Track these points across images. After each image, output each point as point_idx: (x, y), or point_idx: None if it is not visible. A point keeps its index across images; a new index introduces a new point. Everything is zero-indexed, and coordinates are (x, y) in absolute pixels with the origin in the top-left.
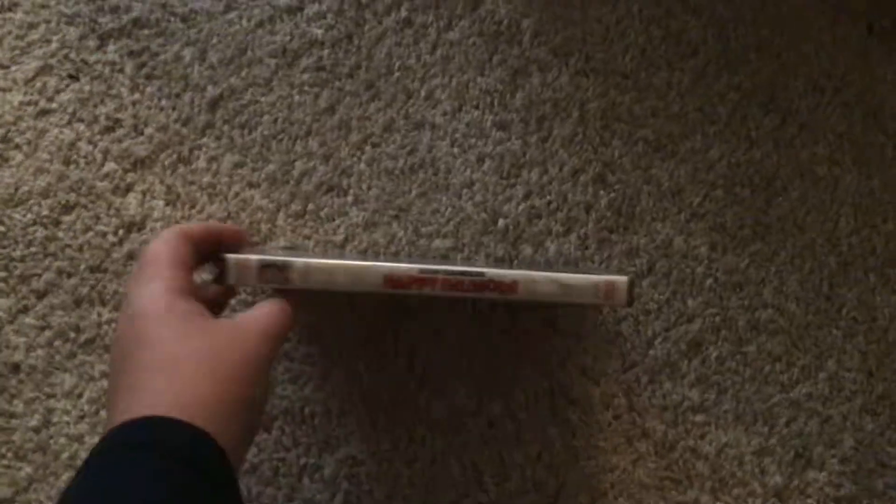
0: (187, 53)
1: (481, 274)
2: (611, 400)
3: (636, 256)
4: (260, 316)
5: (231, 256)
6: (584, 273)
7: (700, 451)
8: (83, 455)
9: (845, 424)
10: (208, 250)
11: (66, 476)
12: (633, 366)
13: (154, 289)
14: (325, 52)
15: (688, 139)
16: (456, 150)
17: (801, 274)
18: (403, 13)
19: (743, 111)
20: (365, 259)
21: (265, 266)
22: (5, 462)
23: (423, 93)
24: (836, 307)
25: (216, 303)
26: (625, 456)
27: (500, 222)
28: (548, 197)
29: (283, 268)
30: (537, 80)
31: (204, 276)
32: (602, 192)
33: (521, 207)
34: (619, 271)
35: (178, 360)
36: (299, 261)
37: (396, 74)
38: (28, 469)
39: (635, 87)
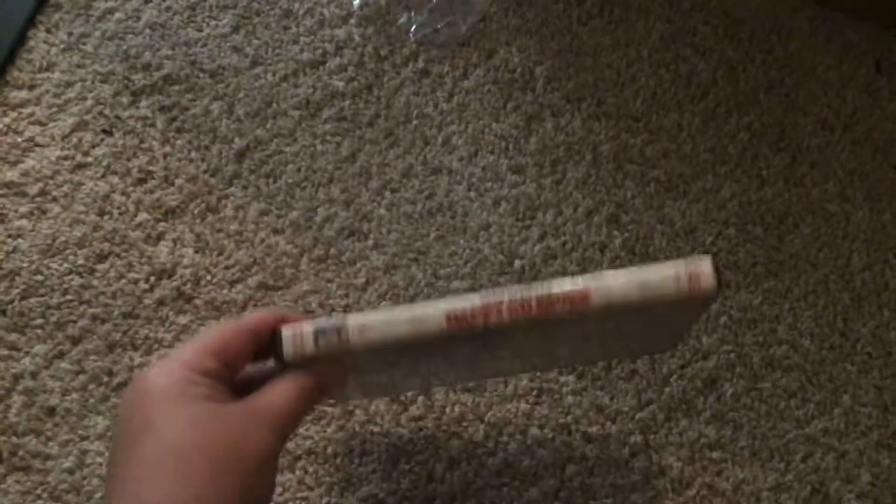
0: (215, 107)
1: (548, 288)
2: (627, 438)
3: None
4: (275, 400)
5: (285, 328)
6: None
7: (717, 488)
8: None
9: (862, 460)
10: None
11: None
12: (650, 403)
13: (168, 364)
14: (346, 102)
15: (699, 179)
16: (473, 193)
17: (815, 310)
18: (421, 64)
19: (753, 150)
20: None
21: (320, 332)
22: (41, 502)
23: (440, 139)
24: (851, 342)
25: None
26: (643, 493)
27: (517, 263)
28: (563, 238)
29: (339, 329)
30: (551, 124)
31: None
32: (616, 233)
33: (536, 248)
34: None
35: (188, 453)
36: (354, 318)
37: (414, 122)
38: None
39: (647, 129)
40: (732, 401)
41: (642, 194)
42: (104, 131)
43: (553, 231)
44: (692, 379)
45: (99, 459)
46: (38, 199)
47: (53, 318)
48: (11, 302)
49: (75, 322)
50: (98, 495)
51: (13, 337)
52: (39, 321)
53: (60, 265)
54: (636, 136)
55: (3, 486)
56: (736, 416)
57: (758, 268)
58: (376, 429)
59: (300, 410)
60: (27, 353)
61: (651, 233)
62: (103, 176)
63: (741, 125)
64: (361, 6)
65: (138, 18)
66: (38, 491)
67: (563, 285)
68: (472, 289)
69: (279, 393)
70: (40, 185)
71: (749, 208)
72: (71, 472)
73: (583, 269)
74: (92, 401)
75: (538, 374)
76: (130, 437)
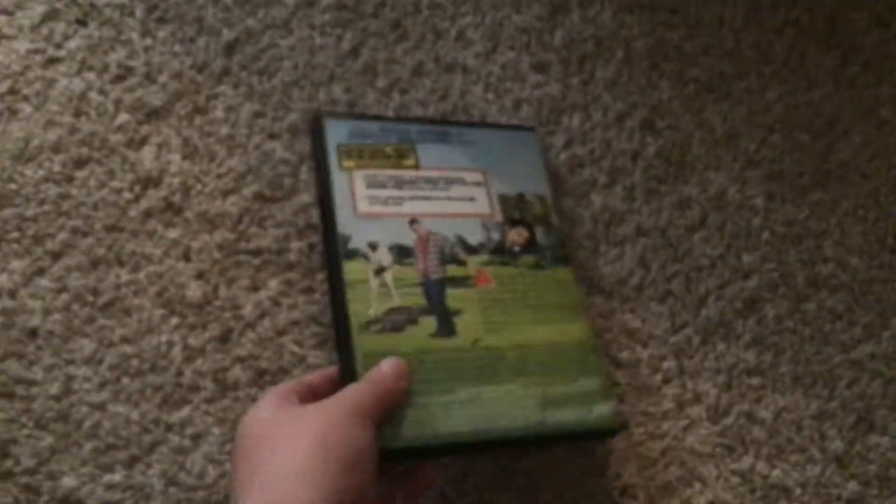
0: None
1: None
2: (660, 363)
3: (687, 208)
4: (354, 394)
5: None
6: None
7: (756, 416)
8: (106, 424)
9: None
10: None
11: (90, 445)
12: (684, 326)
13: (263, 400)
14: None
15: (742, 79)
16: (490, 95)
17: (865, 225)
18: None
19: (801, 48)
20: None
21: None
22: (26, 431)
23: (453, 32)
24: None
25: None
26: (676, 422)
27: None
28: (591, 145)
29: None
30: (578, 16)
31: None
32: (650, 139)
33: (561, 156)
34: (669, 221)
35: (311, 457)
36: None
37: (425, 13)
38: (50, 439)
39: (684, 23)
40: (774, 323)
41: (679, 96)
42: (78, 21)
43: (580, 137)
44: (731, 300)
45: (87, 385)
46: (7, 98)
47: (30, 232)
48: None
49: (54, 235)
50: (88, 424)
51: None
52: (15, 234)
53: (35, 172)
54: (673, 31)
55: None
56: (777, 340)
57: (804, 178)
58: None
59: (381, 401)
60: (3, 269)
61: (688, 139)
62: (78, 72)
63: (788, 20)
64: None
65: None
66: (23, 419)
67: None
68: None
69: (359, 388)
70: (9, 82)
71: (796, 112)
72: (57, 398)
73: (613, 180)
74: (77, 322)
75: None
76: (251, 449)
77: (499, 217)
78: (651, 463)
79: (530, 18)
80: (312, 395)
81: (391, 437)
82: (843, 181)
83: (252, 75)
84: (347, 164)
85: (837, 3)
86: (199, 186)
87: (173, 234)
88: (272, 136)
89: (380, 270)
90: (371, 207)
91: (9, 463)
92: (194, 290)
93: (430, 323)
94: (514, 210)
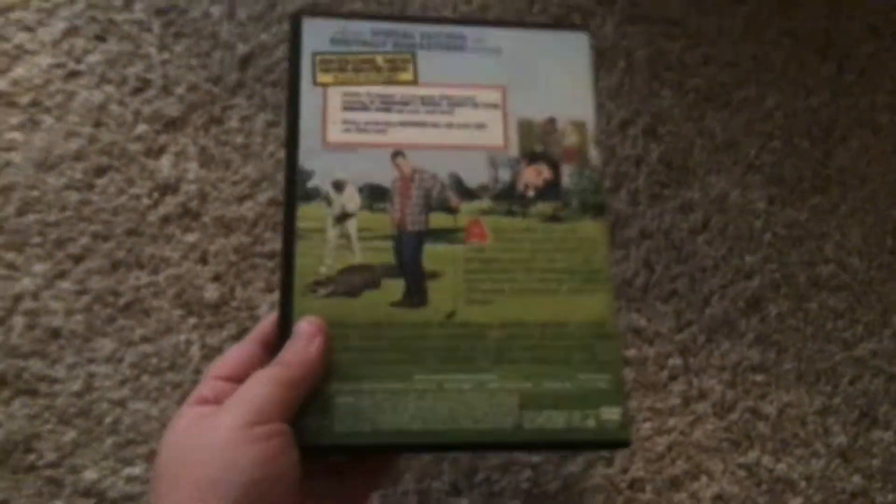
0: (216, 10)
1: None
2: (666, 360)
3: (690, 211)
4: (244, 393)
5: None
6: None
7: (761, 412)
8: (126, 420)
9: None
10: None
11: (111, 440)
12: (689, 325)
13: (184, 408)
14: (357, 5)
15: (741, 88)
16: None
17: (864, 227)
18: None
19: (798, 58)
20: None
21: None
22: (49, 426)
23: None
24: None
25: None
26: (682, 417)
27: None
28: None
29: None
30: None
31: None
32: (653, 145)
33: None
34: (671, 224)
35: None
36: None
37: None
38: (72, 433)
39: (684, 34)
40: (777, 322)
41: (680, 104)
42: (97, 37)
43: None
44: (735, 299)
45: (107, 383)
46: (30, 109)
47: (52, 236)
48: (7, 219)
49: (76, 240)
50: (109, 419)
51: (11, 255)
52: (37, 239)
53: (57, 180)
54: (673, 42)
55: (9, 409)
56: (781, 338)
57: (804, 183)
58: None
59: (295, 389)
60: (26, 272)
61: (690, 145)
62: (98, 85)
63: (785, 30)
64: None
65: None
66: (46, 415)
67: None
68: None
69: (264, 380)
70: (31, 94)
71: (794, 119)
72: (79, 395)
73: (618, 185)
74: (98, 322)
75: None
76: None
77: (514, 150)
78: (658, 457)
79: None
80: (235, 381)
81: (317, 432)
82: (842, 185)
83: (266, 87)
84: (323, 78)
85: (833, 14)
86: (215, 193)
87: (191, 238)
88: None
89: (342, 217)
90: (345, 136)
91: (32, 457)
92: (211, 292)
93: (395, 287)
94: (537, 141)
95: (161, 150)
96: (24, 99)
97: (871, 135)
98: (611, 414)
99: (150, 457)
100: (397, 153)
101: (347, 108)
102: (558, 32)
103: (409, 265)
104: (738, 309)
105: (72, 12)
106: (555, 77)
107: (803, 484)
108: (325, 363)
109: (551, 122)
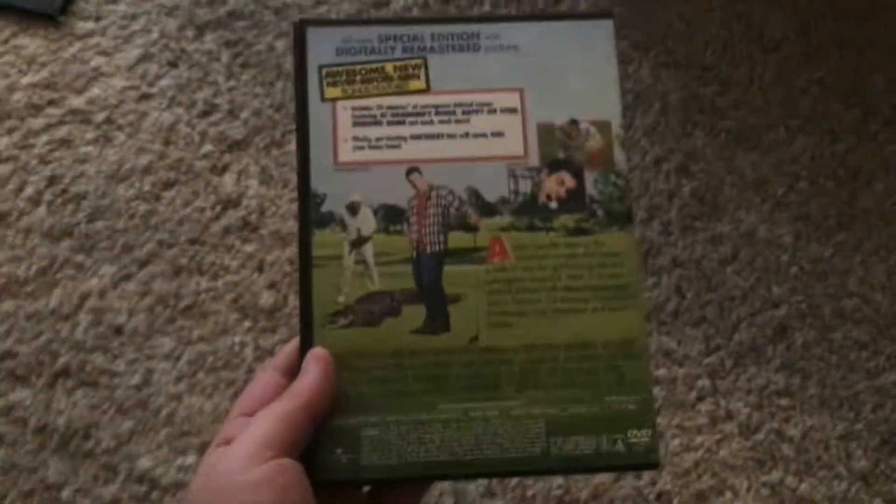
0: (280, 45)
1: None
2: (695, 381)
3: (720, 244)
4: (250, 432)
5: None
6: None
7: (785, 434)
8: (181, 413)
9: None
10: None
11: (166, 431)
12: (718, 349)
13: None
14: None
15: (771, 131)
16: None
17: (887, 264)
18: (486, 7)
19: (825, 105)
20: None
21: None
22: (108, 416)
23: None
24: None
25: None
26: (709, 436)
27: None
28: (631, 184)
29: None
30: (619, 72)
31: None
32: (685, 181)
33: None
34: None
35: None
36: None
37: None
38: (129, 423)
39: (717, 79)
40: (802, 350)
41: (712, 144)
42: (169, 63)
43: None
44: (762, 327)
45: (165, 378)
46: (103, 126)
47: (120, 242)
48: (78, 224)
49: (142, 246)
50: (164, 412)
51: (80, 258)
52: (106, 244)
53: (126, 191)
54: (706, 87)
55: (71, 398)
56: (805, 366)
57: (829, 221)
58: None
59: (268, 438)
60: (94, 273)
61: (721, 183)
62: (168, 107)
63: (813, 79)
64: None
65: None
66: (106, 406)
67: None
68: None
69: (255, 424)
70: (106, 113)
71: (821, 162)
72: (138, 388)
73: (651, 216)
74: (159, 322)
75: None
76: None
77: (534, 158)
78: (685, 472)
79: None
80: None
81: (345, 466)
82: (866, 224)
83: None
84: (331, 93)
85: (859, 66)
86: (273, 208)
87: (249, 248)
88: None
89: (358, 242)
90: (356, 154)
91: (90, 443)
92: (266, 298)
93: (416, 313)
94: (559, 146)
95: (225, 168)
96: (99, 117)
97: (894, 179)
98: (640, 437)
99: (203, 448)
100: (412, 169)
101: (358, 123)
102: (579, 22)
103: (429, 289)
104: (765, 336)
105: (147, 40)
106: (576, 73)
107: None
108: (330, 395)
109: (573, 124)
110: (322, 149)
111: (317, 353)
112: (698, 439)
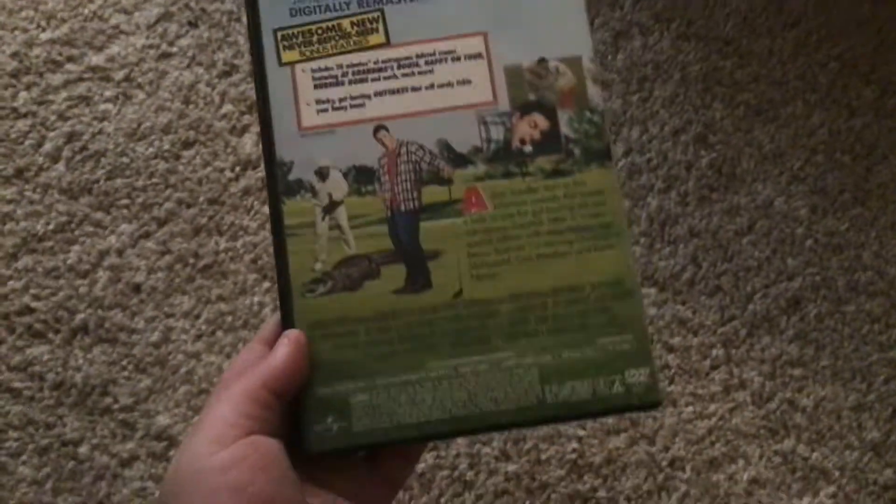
0: None
1: None
2: (709, 350)
3: (736, 215)
4: (208, 415)
5: None
6: None
7: (797, 404)
8: (200, 371)
9: None
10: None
11: (184, 389)
12: (732, 319)
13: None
14: None
15: (789, 105)
16: None
17: None
18: None
19: (843, 81)
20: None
21: None
22: (126, 373)
23: None
24: None
25: None
26: (722, 404)
27: None
28: (648, 154)
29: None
30: (639, 42)
31: None
32: (703, 152)
33: (621, 163)
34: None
35: None
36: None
37: None
38: (147, 381)
39: (736, 52)
40: (816, 321)
41: (731, 116)
42: (189, 23)
43: (638, 147)
44: (776, 298)
45: (184, 336)
46: (123, 84)
47: (139, 200)
48: (97, 181)
49: (161, 204)
50: (183, 370)
51: (98, 215)
52: (125, 202)
53: (146, 149)
54: (726, 59)
55: (89, 356)
56: (818, 337)
57: (845, 195)
58: None
59: (230, 419)
60: (112, 231)
61: (739, 154)
62: (188, 66)
63: (832, 55)
64: None
65: None
66: (124, 362)
67: None
68: None
69: (219, 404)
70: (125, 70)
71: (838, 137)
72: (157, 346)
73: (668, 186)
74: (178, 280)
75: None
76: None
77: (504, 103)
78: (698, 439)
79: (595, 42)
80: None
81: (336, 435)
82: (882, 199)
83: None
84: (288, 56)
85: (878, 43)
86: None
87: (268, 209)
88: None
89: (331, 207)
90: (320, 117)
91: (108, 400)
92: None
93: (396, 273)
94: (529, 88)
95: (244, 130)
96: (119, 74)
97: None
98: (638, 376)
99: None
100: (379, 127)
101: (319, 85)
102: None
103: (408, 248)
104: (779, 307)
105: None
106: (540, 11)
107: (837, 474)
108: (296, 374)
109: (542, 63)
110: (284, 115)
111: (289, 333)
112: (711, 407)
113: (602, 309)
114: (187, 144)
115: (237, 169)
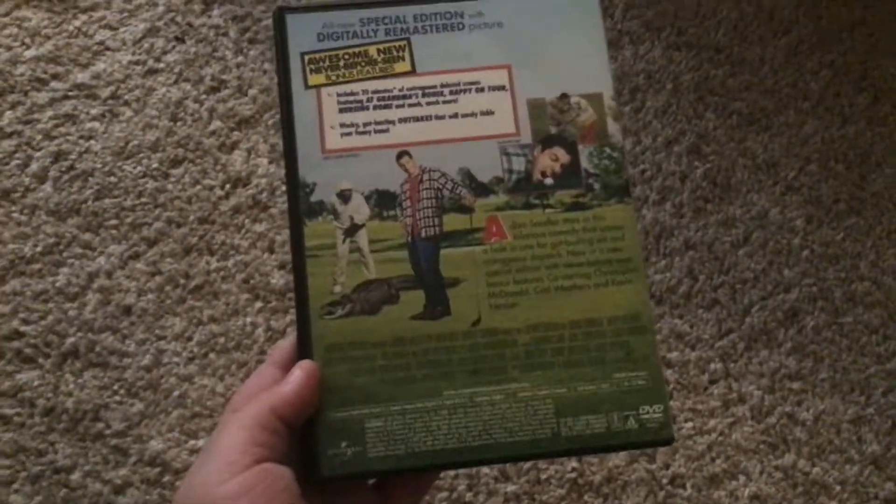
0: None
1: None
2: (707, 365)
3: (732, 226)
4: (221, 441)
5: None
6: None
7: (797, 418)
8: (192, 395)
9: None
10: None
11: (177, 413)
12: (730, 332)
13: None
14: None
15: (781, 114)
16: None
17: None
18: None
19: (836, 88)
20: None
21: None
22: (118, 398)
23: None
24: None
25: None
26: (721, 419)
27: None
28: (642, 165)
29: None
30: (630, 52)
31: None
32: (697, 163)
33: None
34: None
35: None
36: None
37: None
38: (140, 405)
39: (728, 61)
40: (813, 334)
41: (724, 126)
42: (176, 38)
43: (632, 159)
44: (773, 310)
45: (176, 359)
46: (109, 101)
47: (128, 220)
48: (85, 202)
49: (150, 224)
50: (176, 394)
51: (87, 236)
52: (114, 222)
53: (134, 168)
54: (718, 68)
55: (80, 380)
56: (816, 349)
57: (840, 204)
58: None
59: (241, 446)
60: (101, 252)
61: (733, 165)
62: (175, 82)
63: (823, 62)
64: None
65: None
66: (115, 387)
67: None
68: None
69: (229, 429)
70: (112, 88)
71: (831, 145)
72: (148, 369)
73: (663, 198)
74: (168, 302)
75: None
76: None
77: (526, 135)
78: (698, 455)
79: None
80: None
81: (351, 459)
82: (877, 208)
83: None
84: (315, 79)
85: (870, 50)
86: (283, 187)
87: (259, 228)
88: None
89: (352, 229)
90: (344, 140)
91: (100, 425)
92: (277, 279)
93: (415, 299)
94: (550, 122)
95: (234, 146)
96: (105, 92)
97: None
98: (652, 412)
99: (214, 430)
100: (402, 153)
101: (344, 109)
102: None
103: (428, 274)
104: (776, 319)
105: (153, 14)
106: (564, 47)
107: (838, 488)
108: (304, 405)
109: (564, 98)
110: (309, 137)
111: (303, 363)
112: (711, 422)
113: (619, 344)
114: (176, 162)
115: (227, 187)
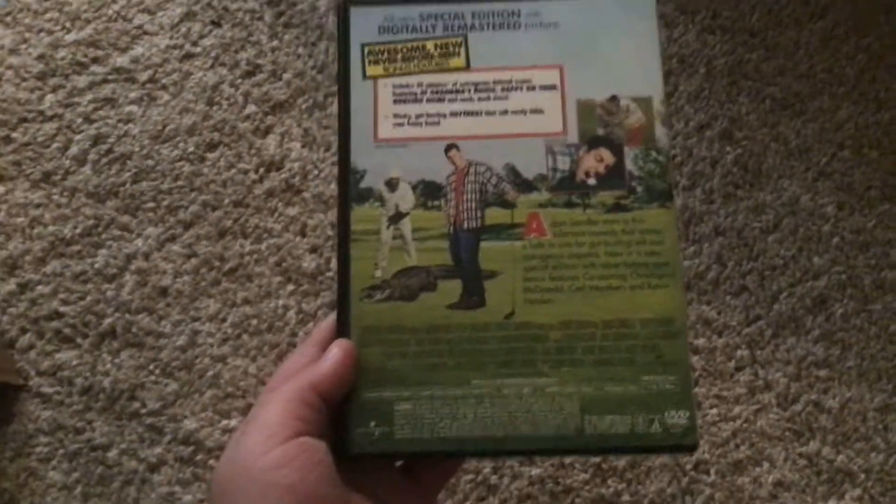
0: (322, 4)
1: None
2: (734, 351)
3: (762, 213)
4: (263, 415)
5: None
6: None
7: (823, 405)
8: (226, 375)
9: None
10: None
11: (210, 394)
12: (758, 319)
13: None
14: None
15: (815, 99)
16: None
17: None
18: None
19: (871, 73)
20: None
21: None
22: (153, 378)
23: None
24: None
25: None
26: (747, 406)
27: None
28: (672, 151)
29: None
30: (663, 35)
31: None
32: (728, 148)
33: None
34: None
35: None
36: None
37: None
38: (174, 385)
39: (763, 45)
40: (842, 321)
41: (757, 111)
42: (213, 22)
43: None
44: (802, 297)
45: (210, 340)
46: (147, 85)
47: (165, 203)
48: (123, 184)
49: (186, 207)
50: (210, 374)
51: (125, 218)
52: (151, 205)
53: (171, 151)
54: (752, 52)
55: (117, 360)
56: (844, 337)
57: (872, 191)
58: None
59: (282, 418)
60: (139, 234)
61: (765, 150)
62: (212, 66)
63: (859, 47)
64: None
65: None
66: (151, 367)
67: None
68: None
69: (272, 403)
70: (150, 72)
71: (865, 131)
72: (183, 350)
73: (693, 183)
74: (203, 284)
75: None
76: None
77: (573, 135)
78: (723, 442)
79: None
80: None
81: (378, 439)
82: None
83: None
84: (373, 70)
85: None
86: (315, 171)
87: (292, 211)
88: None
89: (397, 217)
90: (396, 131)
91: (136, 405)
92: (309, 262)
93: (452, 288)
94: (598, 123)
95: (268, 130)
96: (143, 76)
97: None
98: (677, 418)
99: (247, 410)
100: (451, 146)
101: (399, 101)
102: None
103: (466, 265)
104: (804, 307)
105: None
106: (617, 49)
107: (862, 476)
108: (342, 382)
109: (613, 100)
110: (363, 125)
111: (341, 342)
112: (736, 409)
113: (650, 347)
114: (212, 146)
115: (261, 171)
